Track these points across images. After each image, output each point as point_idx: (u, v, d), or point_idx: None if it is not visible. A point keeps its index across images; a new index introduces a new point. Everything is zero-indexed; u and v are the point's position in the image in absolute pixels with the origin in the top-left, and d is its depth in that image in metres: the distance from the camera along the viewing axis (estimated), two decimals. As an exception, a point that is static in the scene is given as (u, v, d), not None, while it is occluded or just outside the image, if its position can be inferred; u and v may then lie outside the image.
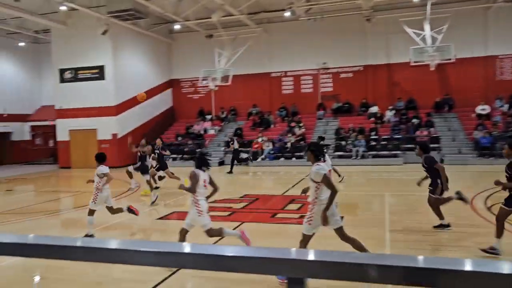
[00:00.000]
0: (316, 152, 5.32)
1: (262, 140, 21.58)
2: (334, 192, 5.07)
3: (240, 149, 20.33)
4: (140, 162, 13.35)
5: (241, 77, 24.18)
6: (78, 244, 1.20)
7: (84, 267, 6.07)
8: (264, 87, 25.25)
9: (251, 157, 21.08)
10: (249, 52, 23.30)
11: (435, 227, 7.48)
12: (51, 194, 14.11)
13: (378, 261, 0.97)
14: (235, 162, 18.86)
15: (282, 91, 25.18)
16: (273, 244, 7.09)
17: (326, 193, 5.13)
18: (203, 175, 6.21)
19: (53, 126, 24.23)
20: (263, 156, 21.01)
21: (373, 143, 20.55)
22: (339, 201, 10.25)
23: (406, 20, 20.20)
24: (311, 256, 0.99)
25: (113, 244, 1.19)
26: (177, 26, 23.79)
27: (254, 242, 6.51)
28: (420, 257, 0.99)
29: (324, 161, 5.34)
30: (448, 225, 7.40)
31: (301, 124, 22.68)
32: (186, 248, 1.16)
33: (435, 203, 7.39)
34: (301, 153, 20.92)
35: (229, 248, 1.11)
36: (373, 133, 21.19)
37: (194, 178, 6.07)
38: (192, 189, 6.03)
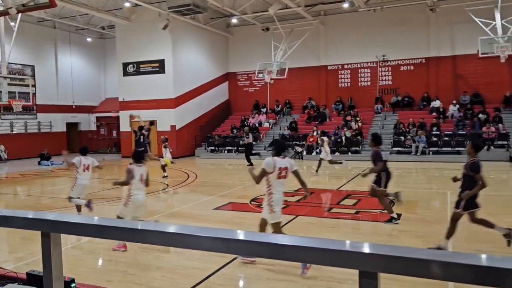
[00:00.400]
0: (277, 149, 5.75)
1: (317, 134, 21.35)
2: (255, 182, 5.71)
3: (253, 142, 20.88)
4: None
5: (297, 70, 24.03)
6: (144, 227, 1.25)
7: (145, 251, 6.37)
8: (320, 80, 24.92)
9: (303, 151, 20.97)
10: (306, 45, 23.06)
11: (385, 221, 7.89)
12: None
13: (444, 259, 0.93)
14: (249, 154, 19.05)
15: (339, 84, 24.70)
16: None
17: (277, 185, 5.58)
18: (139, 170, 6.50)
19: (117, 117, 25.52)
20: (318, 150, 20.78)
21: (434, 139, 19.63)
22: (404, 200, 9.90)
23: (474, 9, 18.98)
24: (380, 250, 0.97)
25: (175, 229, 1.23)
26: (234, 20, 24.05)
27: (310, 236, 6.47)
28: (487, 256, 0.94)
29: (284, 157, 5.83)
30: (398, 217, 7.84)
31: (358, 118, 22.17)
32: (243, 235, 1.17)
33: (381, 195, 7.97)
34: (357, 148, 20.49)
35: (290, 238, 1.11)
36: (434, 128, 20.24)
37: (129, 173, 6.41)
38: (125, 182, 6.47)
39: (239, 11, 21.87)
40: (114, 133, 27.88)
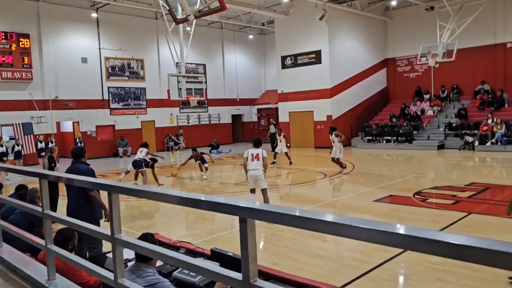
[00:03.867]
0: None
1: (493, 122, 18.78)
2: None
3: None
4: None
5: (466, 50, 21.47)
6: (298, 214, 1.30)
7: (306, 239, 6.56)
8: (496, 61, 21.77)
9: (474, 141, 18.66)
10: (478, 21, 20.39)
11: None
12: (275, 170, 15.71)
13: None
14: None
15: (521, 63, 21.21)
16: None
17: None
18: (251, 151, 8.24)
19: (276, 109, 26.80)
20: (493, 140, 18.30)
21: None
22: None
23: None
24: None
25: (330, 218, 1.28)
26: (393, 2, 22.74)
27: (483, 236, 5.77)
28: None
29: None
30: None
31: (547, 103, 18.74)
32: (402, 229, 1.15)
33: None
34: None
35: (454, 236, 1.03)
36: None
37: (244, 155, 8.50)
38: (244, 163, 8.51)
39: (399, -8, 20.55)
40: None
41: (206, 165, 14.46)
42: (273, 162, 16.63)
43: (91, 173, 5.01)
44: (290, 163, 16.35)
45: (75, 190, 4.97)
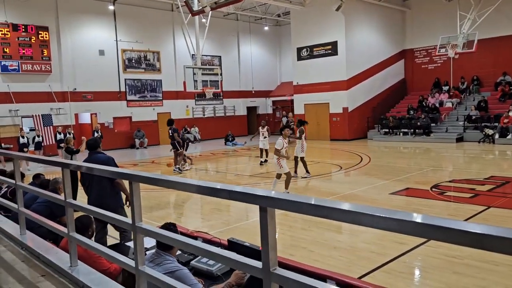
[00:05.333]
0: None
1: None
2: None
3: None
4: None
5: (488, 41, 20.96)
6: (315, 202, 1.30)
7: (322, 231, 6.57)
8: (519, 51, 21.25)
9: (494, 133, 18.29)
10: (500, 10, 19.82)
11: None
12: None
13: None
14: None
15: (546, 54, 20.64)
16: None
17: None
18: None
19: (291, 101, 26.69)
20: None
21: None
22: None
23: None
24: None
25: (348, 206, 1.29)
26: (412, -8, 22.33)
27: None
28: None
29: None
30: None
31: None
32: (422, 218, 1.16)
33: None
34: None
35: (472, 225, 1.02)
36: None
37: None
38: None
39: (418, -18, 20.13)
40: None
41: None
42: (265, 161, 14.77)
43: (112, 161, 5.05)
44: (261, 162, 14.69)
45: (99, 179, 4.97)
